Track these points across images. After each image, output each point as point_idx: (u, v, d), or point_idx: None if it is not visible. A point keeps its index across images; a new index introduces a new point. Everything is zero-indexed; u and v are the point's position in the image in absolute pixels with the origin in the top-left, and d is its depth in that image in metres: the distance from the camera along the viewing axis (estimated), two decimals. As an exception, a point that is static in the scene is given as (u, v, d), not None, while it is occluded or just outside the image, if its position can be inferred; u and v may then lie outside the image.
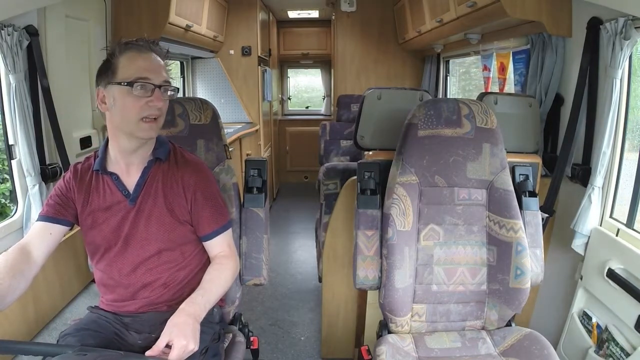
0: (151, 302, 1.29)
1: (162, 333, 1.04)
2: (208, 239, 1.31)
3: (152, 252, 1.27)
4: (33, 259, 1.16)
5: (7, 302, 1.06)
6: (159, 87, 1.17)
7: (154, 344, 1.14)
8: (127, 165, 1.27)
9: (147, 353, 1.01)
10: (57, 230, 1.24)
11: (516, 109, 1.93)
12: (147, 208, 1.26)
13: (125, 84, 1.15)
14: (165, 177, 1.28)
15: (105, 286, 1.32)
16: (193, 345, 1.04)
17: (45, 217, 1.24)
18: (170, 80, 1.22)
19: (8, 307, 1.06)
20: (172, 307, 1.28)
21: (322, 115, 6.01)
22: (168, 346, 1.03)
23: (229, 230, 1.34)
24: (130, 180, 1.27)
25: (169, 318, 1.27)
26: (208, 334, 1.28)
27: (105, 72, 1.18)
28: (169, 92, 1.21)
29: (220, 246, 1.31)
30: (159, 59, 1.21)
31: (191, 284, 1.30)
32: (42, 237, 1.21)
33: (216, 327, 1.36)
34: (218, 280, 1.23)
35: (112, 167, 1.28)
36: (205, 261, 1.34)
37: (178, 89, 1.24)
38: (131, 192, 1.26)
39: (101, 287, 1.34)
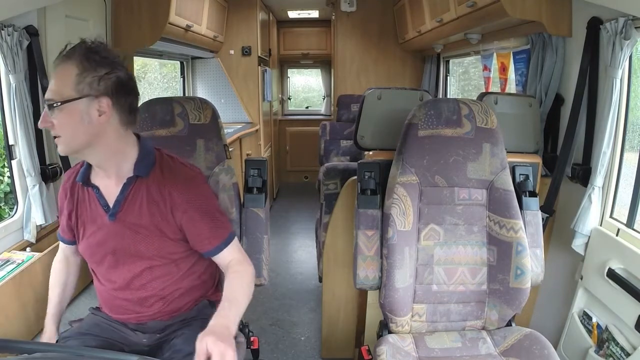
0: (151, 316, 1.27)
1: (198, 342, 0.96)
2: (212, 254, 1.24)
3: (144, 267, 1.22)
4: (73, 262, 1.40)
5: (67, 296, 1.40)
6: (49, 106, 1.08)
7: (159, 343, 1.13)
8: (106, 178, 1.21)
9: None
10: (74, 248, 1.35)
11: (516, 108, 1.93)
12: (131, 225, 1.20)
13: None
14: (149, 194, 1.19)
15: (102, 297, 1.31)
16: (232, 353, 0.96)
17: (60, 237, 1.36)
18: (54, 97, 1.07)
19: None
20: (174, 317, 1.27)
21: (322, 115, 6.01)
22: None
23: (234, 241, 1.26)
24: (112, 195, 1.21)
25: (172, 324, 1.26)
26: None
27: None
28: (50, 111, 1.07)
29: (228, 258, 1.24)
30: (58, 70, 1.09)
31: (192, 294, 1.29)
32: (67, 251, 1.38)
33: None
34: (242, 289, 1.16)
35: (95, 179, 1.23)
36: (204, 269, 1.30)
37: (57, 102, 1.07)
38: (111, 207, 1.20)
39: (100, 300, 1.33)
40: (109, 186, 1.21)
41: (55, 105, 1.06)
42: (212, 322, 1.02)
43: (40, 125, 1.09)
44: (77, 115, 1.08)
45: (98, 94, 1.09)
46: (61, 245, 1.38)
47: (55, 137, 1.11)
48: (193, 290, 1.29)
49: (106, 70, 1.09)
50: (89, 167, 1.23)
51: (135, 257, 1.21)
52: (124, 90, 1.13)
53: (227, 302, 1.10)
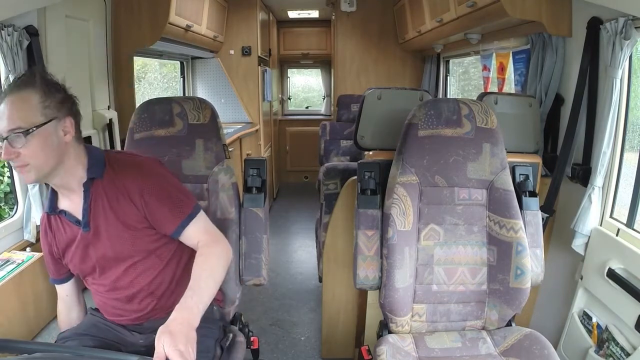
0: (144, 315, 1.28)
1: (156, 340, 0.96)
2: (178, 234, 1.23)
3: (127, 265, 1.24)
4: (74, 310, 1.41)
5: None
6: (7, 138, 1.08)
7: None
8: (68, 195, 1.24)
9: None
10: (69, 285, 1.37)
11: (516, 108, 1.93)
12: (103, 230, 1.22)
13: None
14: (108, 193, 1.22)
15: (96, 302, 1.34)
16: (191, 351, 0.96)
17: (52, 280, 1.38)
18: (21, 124, 1.08)
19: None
20: (170, 313, 1.28)
21: (322, 115, 6.01)
22: None
23: (199, 217, 1.25)
24: (78, 209, 1.24)
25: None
26: (212, 336, 1.28)
27: None
28: (20, 140, 1.08)
29: (196, 236, 1.23)
30: (13, 100, 1.09)
31: (181, 285, 1.28)
32: (64, 297, 1.39)
33: (219, 322, 1.37)
34: (205, 274, 1.13)
35: (61, 204, 1.26)
36: (189, 257, 1.28)
37: (32, 128, 1.09)
38: (81, 219, 1.23)
39: (95, 303, 1.36)
40: (74, 202, 1.24)
41: (30, 131, 1.09)
42: (173, 316, 1.02)
43: (4, 157, 1.09)
44: (48, 139, 1.12)
45: (63, 116, 1.15)
46: (58, 291, 1.40)
47: (20, 167, 1.11)
48: (181, 282, 1.28)
49: (62, 93, 1.16)
50: (53, 195, 1.26)
51: (117, 259, 1.24)
52: (76, 108, 1.21)
53: (190, 290, 1.09)
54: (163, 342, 0.94)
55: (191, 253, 1.27)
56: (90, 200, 1.22)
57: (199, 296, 1.08)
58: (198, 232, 1.24)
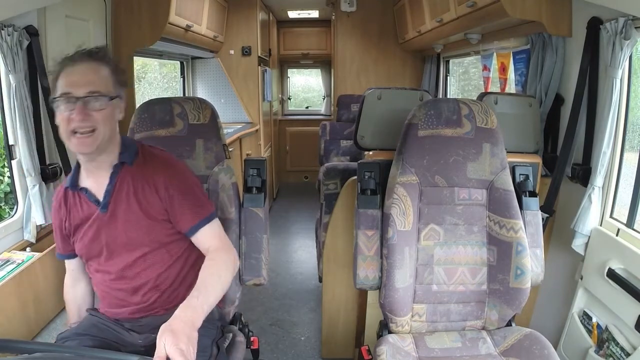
0: (145, 307, 1.29)
1: (157, 339, 0.96)
2: (192, 233, 1.26)
3: (137, 256, 1.26)
4: (81, 283, 1.43)
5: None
6: (84, 99, 1.13)
7: (154, 343, 1.13)
8: (95, 174, 1.26)
9: None
10: (76, 260, 1.38)
11: (516, 108, 1.93)
12: (121, 214, 1.25)
13: (53, 101, 1.15)
14: (135, 180, 1.25)
15: (98, 290, 1.34)
16: (192, 350, 0.96)
17: (59, 255, 1.40)
18: (101, 90, 1.15)
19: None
20: (169, 310, 1.26)
21: (322, 115, 6.02)
22: None
23: (215, 222, 1.29)
24: (101, 190, 1.26)
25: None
26: (209, 336, 1.28)
27: (52, 92, 1.18)
28: (98, 103, 1.15)
29: (208, 240, 1.26)
30: (91, 67, 1.17)
31: (185, 283, 1.30)
32: (70, 270, 1.42)
33: (217, 322, 1.37)
34: (212, 278, 1.15)
35: (83, 182, 1.28)
36: (196, 258, 1.31)
37: (111, 97, 1.18)
38: (101, 200, 1.25)
39: (97, 293, 1.36)
40: (99, 182, 1.27)
41: (113, 97, 1.17)
42: (176, 314, 1.02)
43: (78, 117, 1.12)
44: (113, 112, 1.21)
45: (123, 95, 1.24)
46: (67, 266, 1.42)
47: (87, 132, 1.14)
48: (187, 278, 1.30)
49: (123, 75, 1.25)
50: (77, 171, 1.29)
51: (128, 246, 1.26)
52: None
53: (196, 290, 1.10)
54: (164, 340, 0.94)
55: (198, 254, 1.30)
56: (115, 183, 1.25)
57: (204, 297, 1.09)
58: (211, 236, 1.27)
